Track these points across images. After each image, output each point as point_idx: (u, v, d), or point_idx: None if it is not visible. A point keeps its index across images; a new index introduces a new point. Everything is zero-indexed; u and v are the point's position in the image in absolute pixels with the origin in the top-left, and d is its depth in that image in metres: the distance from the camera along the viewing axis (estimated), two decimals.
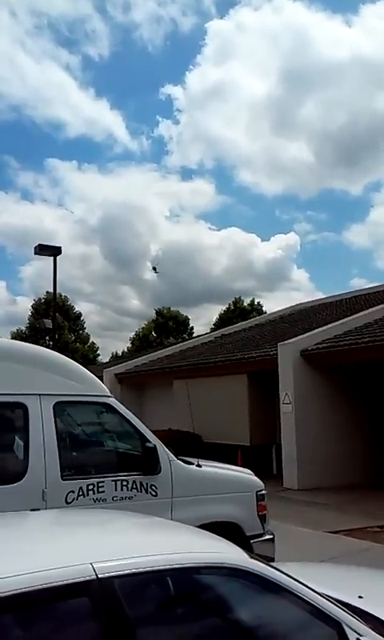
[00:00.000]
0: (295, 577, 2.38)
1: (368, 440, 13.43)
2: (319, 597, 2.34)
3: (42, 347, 5.39)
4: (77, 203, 73.98)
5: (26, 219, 69.00)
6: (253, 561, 2.30)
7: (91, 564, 2.00)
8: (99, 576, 1.97)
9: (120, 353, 48.04)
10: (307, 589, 2.33)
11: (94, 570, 1.98)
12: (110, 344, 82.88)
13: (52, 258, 18.67)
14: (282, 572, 2.32)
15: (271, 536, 5.67)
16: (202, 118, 65.20)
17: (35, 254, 18.58)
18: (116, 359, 38.49)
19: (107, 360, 40.92)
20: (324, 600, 2.34)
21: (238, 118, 65.15)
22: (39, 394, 4.79)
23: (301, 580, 2.37)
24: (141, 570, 2.06)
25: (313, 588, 2.37)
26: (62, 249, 18.82)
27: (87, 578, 1.96)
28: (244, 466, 6.68)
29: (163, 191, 72.20)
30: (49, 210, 71.15)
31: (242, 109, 64.54)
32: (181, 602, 2.21)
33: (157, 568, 2.09)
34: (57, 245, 18.89)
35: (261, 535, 5.58)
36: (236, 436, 15.12)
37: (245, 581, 2.23)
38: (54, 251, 18.60)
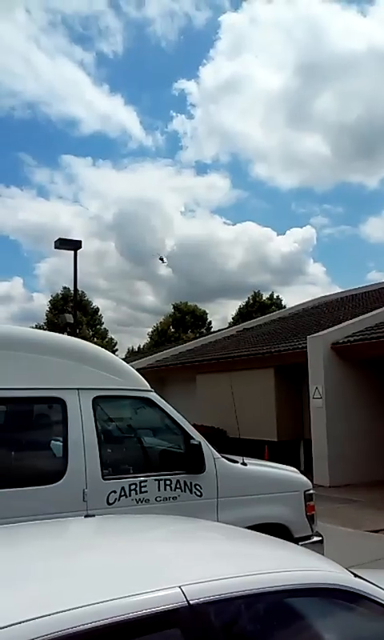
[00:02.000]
0: None
1: None
2: None
3: (79, 339, 5.08)
4: (92, 199, 73.81)
5: (41, 216, 69.05)
6: (359, 580, 1.96)
7: (180, 587, 1.66)
8: (191, 602, 1.64)
9: (136, 348, 47.91)
10: None
11: (184, 595, 1.64)
12: (126, 339, 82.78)
13: (71, 252, 18.37)
14: None
15: (320, 537, 5.36)
16: (217, 113, 64.70)
17: (55, 248, 18.21)
18: (133, 355, 38.27)
19: (124, 356, 40.71)
20: None
21: (253, 112, 64.63)
22: (78, 389, 4.49)
23: None
24: (237, 593, 1.71)
25: None
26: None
27: (176, 605, 1.62)
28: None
29: (178, 186, 71.87)
30: (64, 206, 71.04)
31: (257, 102, 63.95)
32: (283, 630, 1.86)
33: (255, 591, 1.74)
34: None
35: (309, 537, 5.27)
36: (263, 431, 14.76)
37: (351, 603, 1.90)
38: (74, 245, 18.26)
